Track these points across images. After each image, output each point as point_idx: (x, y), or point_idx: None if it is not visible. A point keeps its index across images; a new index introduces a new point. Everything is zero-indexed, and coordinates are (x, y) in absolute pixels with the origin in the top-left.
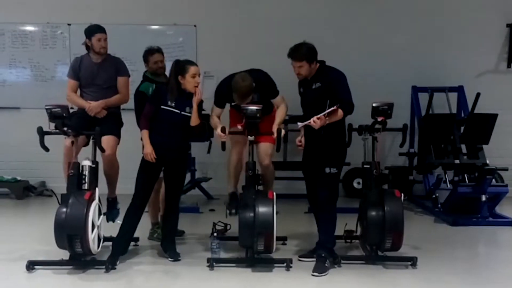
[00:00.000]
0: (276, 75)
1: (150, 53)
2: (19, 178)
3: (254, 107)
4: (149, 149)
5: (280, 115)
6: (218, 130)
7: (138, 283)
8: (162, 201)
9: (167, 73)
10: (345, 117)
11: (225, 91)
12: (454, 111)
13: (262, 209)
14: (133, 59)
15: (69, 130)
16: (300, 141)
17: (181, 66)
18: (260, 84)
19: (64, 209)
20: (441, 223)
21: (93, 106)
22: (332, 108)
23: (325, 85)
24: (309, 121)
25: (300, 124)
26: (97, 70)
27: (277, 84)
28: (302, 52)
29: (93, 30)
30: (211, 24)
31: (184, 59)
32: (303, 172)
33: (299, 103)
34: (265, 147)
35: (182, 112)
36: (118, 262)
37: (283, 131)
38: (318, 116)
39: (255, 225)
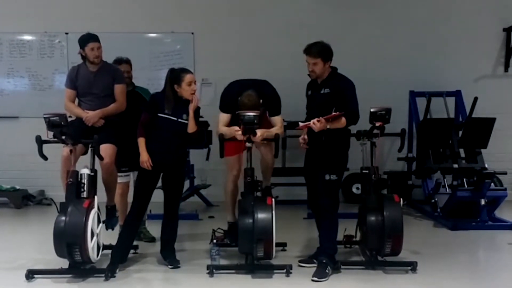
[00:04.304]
0: (273, 82)
1: (118, 63)
2: (17, 187)
3: (251, 114)
4: (145, 157)
5: (276, 130)
6: (233, 130)
7: None
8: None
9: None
10: (349, 125)
11: (231, 94)
12: (452, 115)
13: (261, 215)
14: None
15: (68, 139)
16: (304, 139)
17: (176, 75)
18: (267, 99)
19: (63, 218)
20: (441, 227)
21: (90, 116)
22: (335, 114)
23: (334, 92)
24: (309, 122)
25: (301, 124)
26: (93, 79)
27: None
28: (318, 48)
29: (85, 40)
30: (209, 32)
31: (179, 67)
32: (304, 178)
33: (297, 109)
34: (266, 146)
35: (179, 119)
36: (117, 270)
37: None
38: (319, 118)
39: (255, 232)
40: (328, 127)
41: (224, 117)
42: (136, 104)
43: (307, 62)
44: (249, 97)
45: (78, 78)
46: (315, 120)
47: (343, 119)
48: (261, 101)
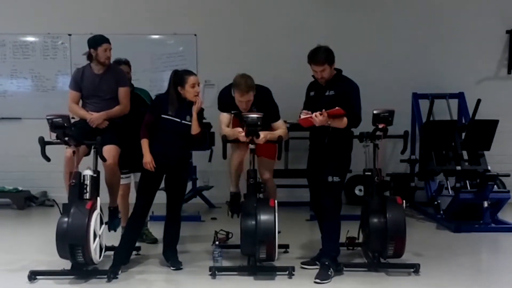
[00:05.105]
0: (276, 83)
1: (118, 64)
2: (20, 188)
3: (254, 115)
4: (148, 158)
5: (280, 132)
6: (236, 131)
7: None
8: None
9: (166, 83)
10: (350, 128)
11: (227, 95)
12: (455, 117)
13: (263, 217)
14: (134, 69)
15: (70, 140)
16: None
17: (179, 77)
18: (263, 104)
19: (66, 219)
20: (443, 229)
21: (95, 118)
22: (338, 109)
23: (338, 94)
24: (310, 115)
25: (302, 117)
26: (99, 81)
27: (278, 92)
28: (322, 55)
29: (99, 40)
30: (211, 33)
31: (182, 69)
32: (307, 180)
33: (299, 111)
34: (265, 163)
35: (183, 121)
36: (120, 272)
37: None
38: (321, 112)
39: (257, 233)
40: (329, 123)
41: (225, 117)
42: (135, 105)
43: (314, 71)
44: (245, 77)
45: (83, 80)
46: (317, 113)
47: (345, 119)
48: (254, 84)
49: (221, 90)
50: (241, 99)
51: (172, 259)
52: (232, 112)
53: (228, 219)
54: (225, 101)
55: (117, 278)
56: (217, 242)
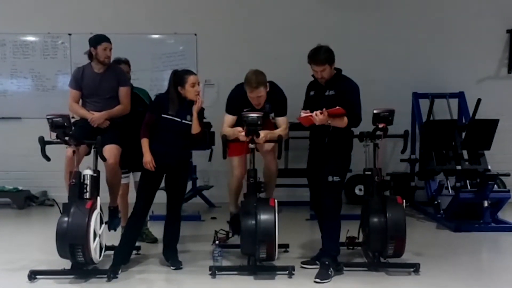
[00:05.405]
0: (276, 83)
1: (117, 63)
2: (20, 187)
3: (254, 115)
4: (148, 157)
5: (280, 131)
6: (236, 131)
7: None
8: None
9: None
10: (350, 128)
11: (238, 95)
12: (455, 117)
13: (264, 217)
14: (134, 68)
15: (71, 140)
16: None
17: (179, 77)
18: (273, 98)
19: (66, 219)
20: (444, 229)
21: (96, 118)
22: (338, 108)
23: (338, 94)
24: (311, 114)
25: (302, 115)
26: (99, 81)
27: None
28: (323, 55)
29: (99, 39)
30: (211, 33)
31: (182, 69)
32: (307, 179)
33: (300, 110)
34: (267, 145)
35: (183, 121)
36: (120, 271)
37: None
38: (322, 111)
39: (257, 233)
40: (329, 122)
41: (229, 118)
42: (134, 105)
43: (314, 71)
44: (256, 73)
45: (83, 79)
46: (317, 112)
47: (345, 119)
48: (267, 84)
49: (231, 90)
50: (251, 94)
51: (172, 259)
52: (244, 110)
53: (228, 219)
54: (235, 101)
55: (117, 277)
56: (217, 242)
